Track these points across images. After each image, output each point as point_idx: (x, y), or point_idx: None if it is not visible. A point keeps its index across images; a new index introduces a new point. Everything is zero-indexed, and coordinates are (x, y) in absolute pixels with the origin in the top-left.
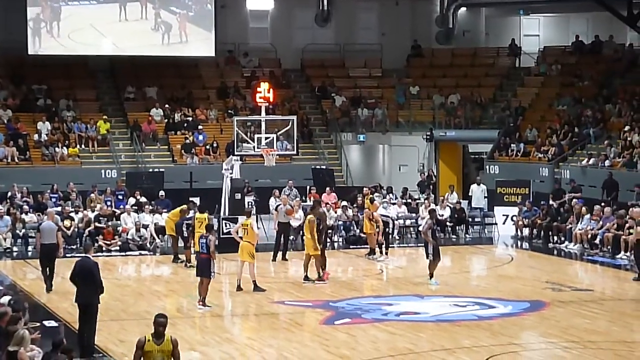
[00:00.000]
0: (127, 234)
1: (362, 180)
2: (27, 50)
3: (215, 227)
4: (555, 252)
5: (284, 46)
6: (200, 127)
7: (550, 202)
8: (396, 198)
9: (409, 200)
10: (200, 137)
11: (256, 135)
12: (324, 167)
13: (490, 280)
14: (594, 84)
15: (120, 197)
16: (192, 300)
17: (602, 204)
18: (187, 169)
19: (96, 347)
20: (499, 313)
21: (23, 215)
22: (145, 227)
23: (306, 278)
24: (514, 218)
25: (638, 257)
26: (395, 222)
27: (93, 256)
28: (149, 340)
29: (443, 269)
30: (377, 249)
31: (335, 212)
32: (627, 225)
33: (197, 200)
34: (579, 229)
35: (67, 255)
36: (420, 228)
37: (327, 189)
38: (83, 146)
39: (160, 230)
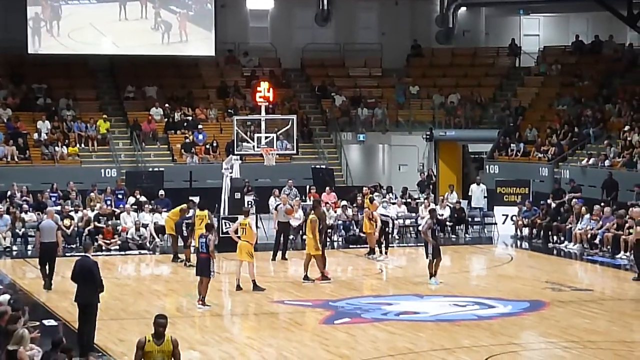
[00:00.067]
0: (126, 233)
1: (361, 179)
2: (27, 49)
3: (215, 227)
4: (555, 252)
5: (284, 46)
6: (200, 126)
7: (549, 201)
8: (396, 198)
9: (409, 200)
10: (200, 137)
11: (256, 135)
12: (323, 166)
13: (490, 280)
14: (593, 83)
15: (120, 196)
16: (192, 300)
17: (602, 203)
18: (187, 168)
19: (96, 346)
20: (498, 313)
21: (23, 215)
22: (145, 226)
23: (306, 277)
24: (514, 218)
25: (638, 257)
26: (395, 221)
27: (92, 255)
28: (149, 341)
29: (443, 268)
30: (376, 249)
31: (335, 212)
32: (626, 225)
33: (196, 199)
34: (579, 229)
35: (67, 254)
36: (420, 228)
37: (327, 188)
38: (83, 145)
39: (159, 229)
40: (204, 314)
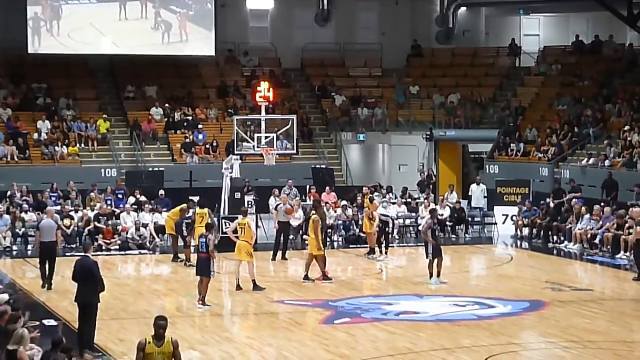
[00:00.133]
0: (126, 233)
1: (361, 179)
2: (27, 49)
3: (216, 226)
4: (555, 251)
5: (284, 45)
6: (200, 126)
7: (548, 200)
8: (396, 197)
9: (409, 200)
10: (200, 136)
11: (256, 135)
12: (323, 166)
13: (490, 280)
14: (593, 83)
15: (120, 196)
16: (192, 300)
17: (602, 203)
18: (187, 168)
19: (96, 346)
20: (498, 313)
21: (22, 214)
22: (145, 226)
23: (306, 277)
24: (514, 218)
25: (637, 257)
26: (395, 221)
27: (92, 255)
28: (150, 342)
29: (442, 268)
30: (376, 249)
31: (335, 212)
32: (626, 225)
33: (196, 199)
34: (579, 229)
35: (67, 254)
36: (420, 227)
37: (327, 188)
38: (83, 145)
39: (159, 229)
40: (204, 314)
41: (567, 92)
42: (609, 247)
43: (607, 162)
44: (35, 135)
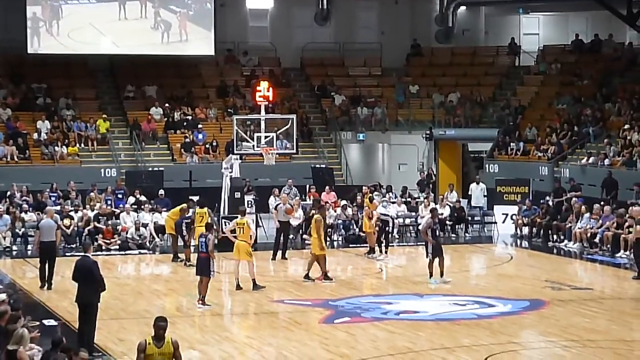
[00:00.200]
0: (126, 233)
1: (361, 179)
2: (27, 49)
3: (216, 226)
4: (555, 250)
5: (283, 45)
6: (199, 126)
7: (547, 198)
8: (396, 197)
9: (409, 199)
10: (200, 136)
11: (256, 134)
12: (323, 165)
13: (490, 279)
14: (593, 82)
15: (119, 196)
16: (192, 299)
17: (602, 202)
18: (187, 167)
19: (96, 346)
20: (498, 312)
21: (22, 214)
22: (145, 226)
23: (307, 277)
24: (514, 217)
25: (637, 256)
26: (395, 220)
27: (92, 255)
28: (150, 344)
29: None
30: (376, 248)
31: (335, 211)
32: (626, 224)
33: (196, 198)
34: (579, 228)
35: (67, 254)
36: (420, 227)
37: (327, 187)
38: (82, 145)
39: (159, 229)
40: (203, 314)
41: (567, 91)
42: (608, 246)
43: (606, 161)
44: (35, 135)
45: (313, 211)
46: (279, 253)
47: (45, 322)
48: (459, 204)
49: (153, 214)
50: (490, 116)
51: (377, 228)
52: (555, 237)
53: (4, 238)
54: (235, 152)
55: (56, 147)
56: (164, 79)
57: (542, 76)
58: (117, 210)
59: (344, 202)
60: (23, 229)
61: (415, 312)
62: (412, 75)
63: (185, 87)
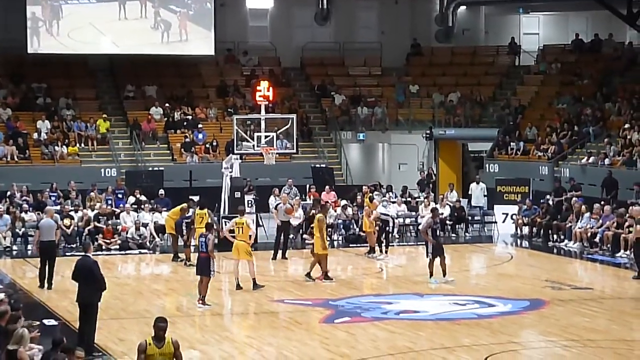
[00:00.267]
0: (126, 233)
1: (361, 178)
2: (27, 49)
3: (216, 226)
4: (555, 250)
5: (283, 45)
6: (200, 125)
7: (548, 197)
8: (396, 196)
9: (409, 199)
10: (200, 136)
11: (256, 134)
12: (323, 165)
13: (490, 279)
14: (593, 82)
15: (120, 195)
16: (192, 299)
17: (602, 202)
18: (187, 167)
19: (96, 345)
20: (498, 311)
21: (23, 214)
22: (145, 225)
23: (308, 275)
24: (514, 216)
25: (638, 256)
26: (395, 220)
27: (93, 255)
28: (150, 344)
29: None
30: (376, 248)
31: (335, 211)
32: (626, 223)
33: (196, 198)
34: (579, 228)
35: (67, 254)
36: (420, 227)
37: (327, 187)
38: (83, 145)
39: (159, 228)
40: (204, 313)
41: (567, 91)
42: (609, 245)
43: (607, 161)
44: (35, 135)
45: (313, 210)
46: (279, 253)
47: (46, 322)
48: (459, 203)
49: (153, 213)
50: (490, 116)
51: (376, 228)
52: (555, 236)
53: (4, 238)
54: (236, 151)
55: (56, 147)
56: (164, 78)
57: (542, 76)
58: (117, 210)
59: (344, 201)
60: (23, 229)
61: (415, 312)
62: (412, 75)
63: (185, 86)
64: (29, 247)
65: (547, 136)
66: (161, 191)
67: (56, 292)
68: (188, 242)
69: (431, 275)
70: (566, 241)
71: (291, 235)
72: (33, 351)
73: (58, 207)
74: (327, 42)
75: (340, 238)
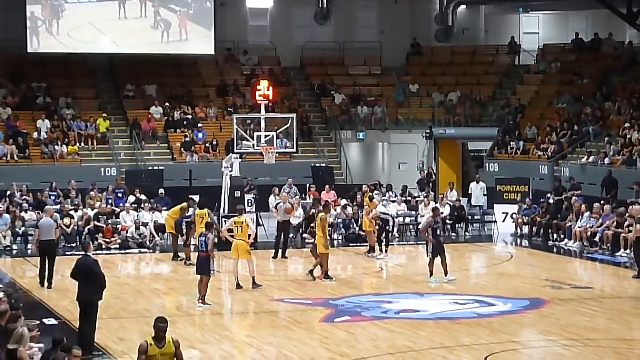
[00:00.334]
0: (126, 232)
1: (361, 178)
2: (27, 48)
3: (216, 226)
4: (555, 250)
5: (283, 44)
6: (200, 125)
7: (549, 196)
8: (396, 196)
9: (409, 198)
10: (200, 135)
11: (256, 133)
12: (323, 165)
13: (490, 278)
14: (593, 81)
15: (120, 195)
16: (192, 299)
17: (602, 201)
18: (187, 167)
19: (96, 345)
20: (498, 311)
21: (23, 214)
22: (145, 225)
23: (310, 272)
24: (514, 216)
25: (638, 255)
26: (395, 220)
27: (93, 254)
28: (151, 345)
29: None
30: (376, 247)
31: (335, 210)
32: (626, 223)
33: (196, 198)
34: (579, 227)
35: (67, 253)
36: (420, 226)
37: (327, 187)
38: (83, 144)
39: (160, 228)
40: (204, 313)
41: (567, 90)
42: (609, 245)
43: (607, 160)
44: (35, 135)
45: (313, 210)
46: (280, 252)
47: (46, 321)
48: (459, 203)
49: (153, 213)
50: (491, 115)
51: (376, 227)
52: (555, 236)
53: (4, 237)
54: (236, 151)
55: (56, 147)
56: (164, 78)
57: (542, 75)
58: (118, 210)
59: (344, 201)
60: (23, 228)
61: (415, 311)
62: (412, 75)
63: (185, 86)
64: (29, 246)
65: (547, 135)
66: (161, 190)
67: (56, 291)
68: (188, 241)
69: (431, 274)
70: (566, 240)
71: (291, 235)
72: (33, 350)
73: (58, 207)
74: (327, 41)
75: (340, 237)
